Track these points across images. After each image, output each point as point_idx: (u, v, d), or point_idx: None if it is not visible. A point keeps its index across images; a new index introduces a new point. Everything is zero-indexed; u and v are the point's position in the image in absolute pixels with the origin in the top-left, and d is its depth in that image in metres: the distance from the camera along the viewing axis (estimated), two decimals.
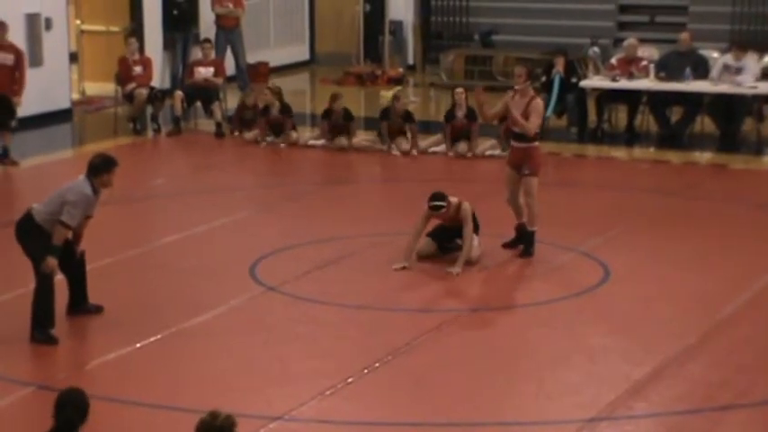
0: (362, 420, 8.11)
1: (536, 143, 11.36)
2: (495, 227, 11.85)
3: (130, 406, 8.12)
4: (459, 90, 15.69)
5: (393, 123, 15.69)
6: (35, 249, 9.32)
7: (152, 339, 9.35)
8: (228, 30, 19.75)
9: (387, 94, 18.99)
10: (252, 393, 8.37)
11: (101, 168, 9.57)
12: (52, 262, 9.26)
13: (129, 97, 17.08)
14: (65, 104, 18.02)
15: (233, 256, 11.44)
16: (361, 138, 16.16)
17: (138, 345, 9.24)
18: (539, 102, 11.37)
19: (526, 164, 11.33)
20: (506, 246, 11.56)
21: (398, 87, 20.26)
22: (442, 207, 10.94)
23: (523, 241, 11.43)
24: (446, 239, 11.29)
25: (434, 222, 11.31)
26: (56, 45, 17.71)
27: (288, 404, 8.16)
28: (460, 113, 15.46)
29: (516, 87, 11.36)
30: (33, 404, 8.15)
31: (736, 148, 15.87)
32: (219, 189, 14.20)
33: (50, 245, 9.26)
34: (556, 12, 20.91)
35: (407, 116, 15.78)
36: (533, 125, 11.28)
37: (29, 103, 16.57)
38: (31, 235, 9.36)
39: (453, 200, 11.06)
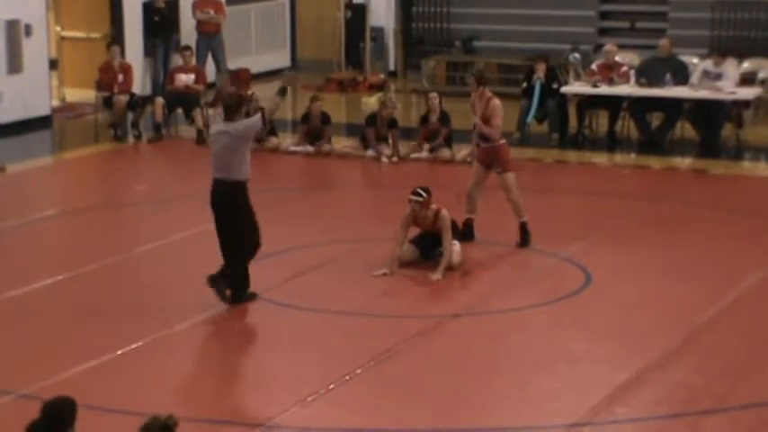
0: (344, 427, 8.11)
1: (502, 141, 11.83)
2: (478, 232, 11.87)
3: (111, 413, 8.09)
4: (433, 95, 15.83)
5: (378, 129, 15.76)
6: (238, 210, 10.03)
7: (133, 347, 9.33)
8: (209, 36, 19.72)
9: (369, 101, 19.01)
10: (233, 400, 8.35)
11: (238, 105, 10.28)
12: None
13: (109, 104, 17.05)
14: (45, 111, 17.95)
15: (214, 263, 11.40)
16: (343, 144, 16.16)
17: (119, 352, 9.22)
18: (496, 102, 11.74)
19: (495, 162, 11.77)
20: None
21: (380, 93, 20.27)
22: (420, 196, 11.02)
23: (520, 234, 11.81)
24: (429, 247, 11.30)
25: (417, 229, 11.33)
26: (36, 51, 17.64)
27: (270, 411, 8.15)
28: (434, 117, 15.57)
29: (474, 94, 11.82)
30: (12, 413, 8.11)
31: (716, 153, 15.92)
32: (201, 195, 14.09)
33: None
34: (537, 18, 20.94)
35: (392, 123, 15.85)
36: (496, 129, 11.73)
37: (8, 110, 16.53)
38: (232, 196, 10.03)
39: (433, 206, 11.09)
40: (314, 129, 15.93)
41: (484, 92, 11.77)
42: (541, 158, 15.83)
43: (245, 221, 10.19)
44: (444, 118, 15.60)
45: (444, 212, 11.09)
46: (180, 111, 17.25)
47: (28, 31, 17.56)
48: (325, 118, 16.01)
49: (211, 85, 18.38)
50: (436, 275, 10.88)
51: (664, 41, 16.79)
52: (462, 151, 15.52)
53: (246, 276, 10.27)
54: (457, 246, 11.18)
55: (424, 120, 15.76)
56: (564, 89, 16.73)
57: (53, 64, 18.88)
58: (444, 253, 11.00)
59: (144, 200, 14.23)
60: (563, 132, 16.61)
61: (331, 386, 8.57)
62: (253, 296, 10.33)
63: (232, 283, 10.19)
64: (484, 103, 11.73)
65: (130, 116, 17.18)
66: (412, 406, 8.36)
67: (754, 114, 17.39)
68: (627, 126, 16.72)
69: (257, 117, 10.23)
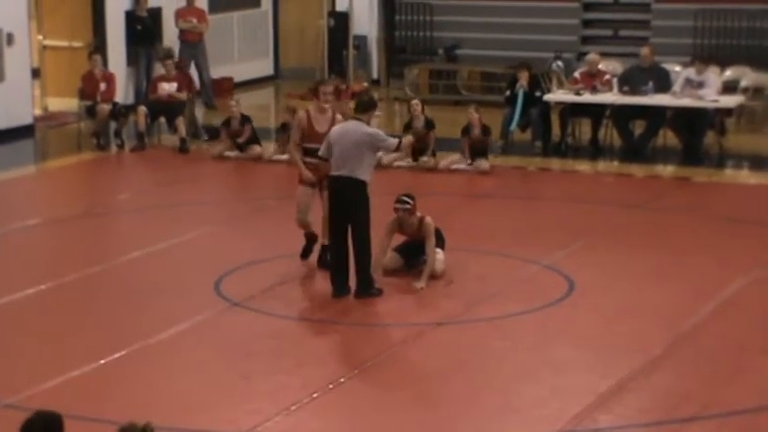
0: None
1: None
2: (461, 240, 11.86)
3: (94, 423, 8.05)
4: (415, 102, 15.87)
5: None
6: (360, 207, 10.35)
7: (116, 356, 9.30)
8: (192, 45, 19.71)
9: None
10: (217, 409, 8.33)
11: (371, 105, 10.73)
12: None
13: (92, 113, 17.00)
14: (27, 120, 17.91)
15: (197, 272, 11.40)
16: None
17: (102, 361, 9.18)
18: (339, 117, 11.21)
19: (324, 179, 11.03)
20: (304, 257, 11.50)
21: None
22: (406, 203, 11.03)
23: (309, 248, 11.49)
24: (413, 255, 11.29)
25: (400, 237, 11.33)
26: (18, 60, 17.60)
27: (253, 420, 8.13)
28: (418, 124, 15.58)
29: (326, 106, 11.10)
30: None
31: (698, 161, 15.96)
32: (184, 204, 14.15)
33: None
34: (520, 26, 21.00)
35: None
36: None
37: None
38: (359, 193, 10.34)
39: (417, 214, 11.11)
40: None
41: (336, 105, 11.38)
42: (525, 166, 15.85)
43: (367, 218, 10.51)
44: (429, 124, 15.63)
45: (429, 220, 11.09)
46: (163, 119, 17.23)
47: (10, 39, 17.53)
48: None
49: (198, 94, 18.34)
50: (420, 284, 10.87)
51: (645, 50, 16.81)
52: (446, 159, 15.56)
53: (366, 268, 10.58)
54: (441, 254, 11.18)
55: (408, 127, 15.75)
56: (547, 97, 16.77)
57: (35, 73, 18.84)
58: (428, 261, 11.00)
59: (127, 209, 14.19)
60: (546, 140, 16.63)
61: (314, 394, 8.56)
62: (379, 292, 10.59)
63: (360, 276, 10.50)
64: (329, 116, 11.10)
65: (113, 125, 17.14)
66: (396, 414, 8.35)
67: (737, 122, 17.48)
68: (610, 134, 16.75)
69: (393, 141, 10.68)
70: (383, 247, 11.13)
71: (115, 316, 10.29)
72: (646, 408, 8.40)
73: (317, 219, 11.39)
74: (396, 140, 10.80)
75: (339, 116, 11.22)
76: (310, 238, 11.52)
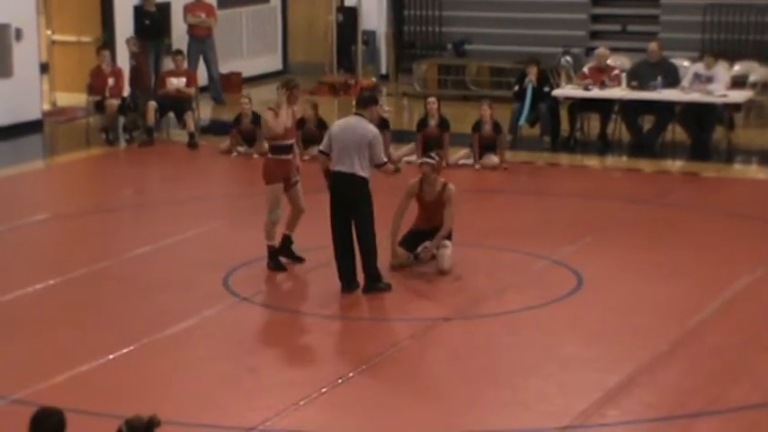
0: (336, 430, 8.10)
1: (268, 154, 11.34)
2: (469, 236, 11.87)
3: (102, 418, 8.07)
4: (432, 99, 15.77)
5: None
6: (363, 203, 10.40)
7: (124, 351, 9.32)
8: (201, 39, 19.74)
9: None
10: (226, 404, 8.35)
11: (371, 100, 10.65)
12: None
13: (101, 108, 17.04)
14: (36, 115, 17.94)
15: (206, 267, 11.41)
16: None
17: (110, 356, 9.21)
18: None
19: (292, 174, 11.26)
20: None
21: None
22: (432, 159, 11.18)
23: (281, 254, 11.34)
24: (418, 244, 11.25)
25: (408, 223, 11.31)
26: (26, 56, 17.63)
27: (262, 415, 8.15)
28: (433, 122, 15.53)
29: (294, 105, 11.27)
30: (4, 418, 8.10)
31: (707, 156, 15.95)
32: (192, 199, 14.18)
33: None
34: (528, 21, 20.97)
35: (383, 123, 15.82)
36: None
37: None
38: (361, 190, 10.39)
39: (441, 179, 11.17)
40: (309, 134, 15.90)
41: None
42: (533, 161, 15.85)
43: (371, 214, 10.53)
44: (443, 123, 15.52)
45: (451, 186, 11.17)
46: (172, 114, 17.24)
47: (18, 35, 17.55)
48: (321, 123, 15.99)
49: (203, 89, 18.33)
50: (429, 244, 11.02)
51: (652, 46, 16.78)
52: (454, 155, 15.56)
53: (374, 263, 10.61)
54: (449, 249, 11.18)
55: (422, 124, 15.69)
56: (555, 92, 16.76)
57: (44, 68, 18.87)
58: (444, 223, 11.05)
59: (135, 204, 14.22)
60: (555, 135, 16.63)
61: (323, 389, 8.57)
62: (388, 287, 10.61)
63: (367, 271, 10.55)
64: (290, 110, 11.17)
65: (122, 120, 17.17)
66: (404, 409, 8.36)
67: (745, 117, 17.46)
68: (618, 129, 16.74)
69: (382, 157, 10.54)
70: (400, 209, 11.19)
71: (123, 311, 10.32)
72: (653, 403, 8.41)
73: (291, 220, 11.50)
74: (385, 159, 10.68)
75: (296, 107, 11.31)
76: (284, 243, 11.41)
